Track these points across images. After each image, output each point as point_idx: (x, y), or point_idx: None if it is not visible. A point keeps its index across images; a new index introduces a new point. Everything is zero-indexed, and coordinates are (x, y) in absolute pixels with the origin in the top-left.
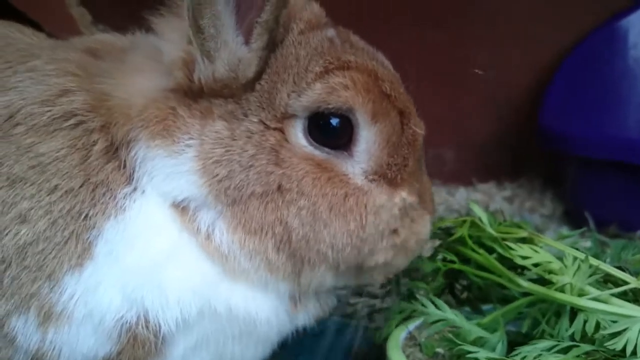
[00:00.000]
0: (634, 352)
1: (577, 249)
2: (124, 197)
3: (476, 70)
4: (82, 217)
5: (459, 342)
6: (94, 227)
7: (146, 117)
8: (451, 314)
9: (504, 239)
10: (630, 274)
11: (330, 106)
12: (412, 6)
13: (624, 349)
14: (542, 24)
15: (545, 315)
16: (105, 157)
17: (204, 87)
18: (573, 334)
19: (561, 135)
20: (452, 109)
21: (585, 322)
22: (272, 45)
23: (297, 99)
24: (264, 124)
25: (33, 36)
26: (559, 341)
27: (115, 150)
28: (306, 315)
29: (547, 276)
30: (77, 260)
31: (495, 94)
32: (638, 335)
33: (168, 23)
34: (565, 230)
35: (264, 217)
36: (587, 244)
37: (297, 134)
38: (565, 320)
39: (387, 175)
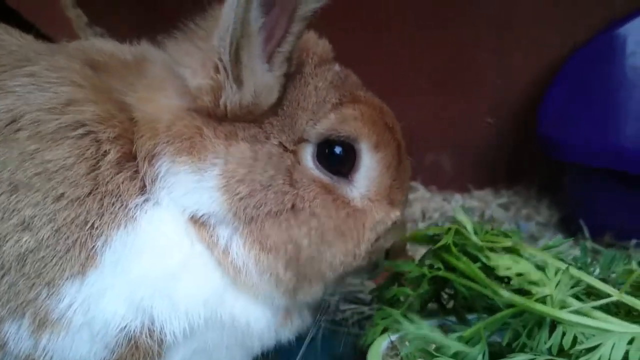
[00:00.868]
0: None
1: (562, 259)
2: (135, 207)
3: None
4: (88, 225)
5: (437, 355)
6: (100, 236)
7: (174, 133)
8: (427, 330)
9: (488, 248)
10: (614, 285)
11: (340, 134)
12: (411, 8)
13: None
14: (544, 28)
15: (526, 327)
16: (116, 167)
17: (228, 112)
18: (551, 347)
19: (558, 142)
20: (449, 114)
21: (563, 335)
22: (290, 74)
23: (313, 126)
24: (284, 146)
25: (21, 38)
26: (536, 355)
27: (129, 161)
28: (291, 330)
29: (527, 287)
30: (80, 269)
31: (493, 99)
32: (611, 351)
33: (182, 48)
34: (560, 238)
35: (279, 236)
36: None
37: (307, 158)
38: (544, 333)
39: (388, 195)
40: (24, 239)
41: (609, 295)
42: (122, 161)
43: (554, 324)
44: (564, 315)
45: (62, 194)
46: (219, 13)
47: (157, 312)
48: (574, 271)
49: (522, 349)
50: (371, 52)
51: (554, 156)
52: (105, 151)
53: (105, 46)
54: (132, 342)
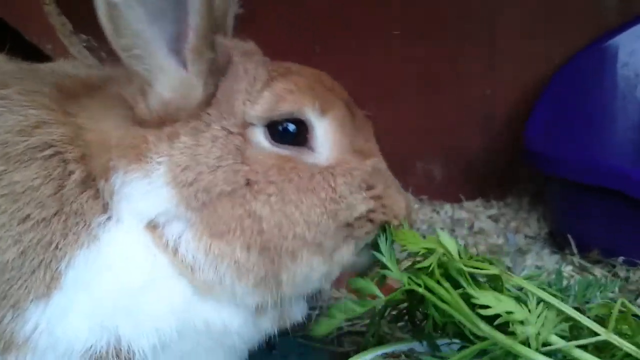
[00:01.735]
0: None
1: (544, 289)
2: (97, 226)
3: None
4: (53, 247)
5: None
6: (64, 257)
7: (123, 147)
8: None
9: (472, 275)
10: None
11: (280, 112)
12: (403, 20)
13: None
14: (533, 40)
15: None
16: (81, 187)
17: (162, 115)
18: None
19: (545, 156)
20: (441, 124)
21: None
22: (218, 69)
23: (251, 107)
24: (227, 129)
25: (8, 62)
26: None
27: (92, 180)
28: (269, 323)
29: (510, 328)
30: (44, 290)
31: (485, 110)
32: None
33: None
34: (546, 254)
35: (232, 214)
36: (568, 268)
37: (259, 139)
38: None
39: (350, 150)
40: None
41: (594, 333)
42: (86, 180)
43: None
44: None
45: (28, 215)
46: None
47: (123, 330)
48: (561, 306)
49: None
50: (360, 62)
51: (541, 170)
52: (70, 171)
53: (73, 70)
54: None
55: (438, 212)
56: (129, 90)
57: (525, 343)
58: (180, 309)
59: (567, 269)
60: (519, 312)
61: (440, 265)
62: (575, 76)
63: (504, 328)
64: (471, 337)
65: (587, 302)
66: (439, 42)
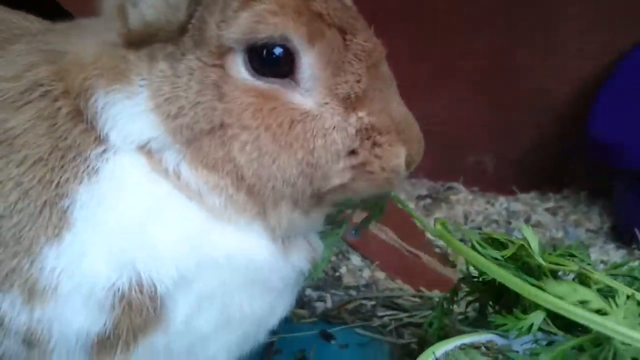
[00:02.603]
0: None
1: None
2: (95, 158)
3: None
4: (54, 185)
5: None
6: (66, 194)
7: (100, 65)
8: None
9: (552, 272)
10: None
11: (261, 36)
12: (454, 8)
13: None
14: (592, 28)
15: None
16: (72, 121)
17: (142, 34)
18: None
19: (610, 146)
20: (493, 115)
21: None
22: None
23: (227, 30)
24: (202, 61)
25: (36, 22)
26: None
27: (82, 112)
28: (300, 257)
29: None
30: (54, 231)
31: (540, 99)
32: None
33: None
34: (612, 249)
35: (215, 155)
36: (636, 263)
37: (239, 68)
38: None
39: (338, 96)
40: None
41: None
42: (77, 114)
43: None
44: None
45: (25, 156)
46: None
47: (140, 264)
48: None
49: None
50: (413, 50)
51: (606, 162)
52: (59, 107)
53: (86, 20)
54: (124, 302)
55: (493, 205)
56: (108, 12)
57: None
58: (195, 235)
59: (635, 265)
60: (596, 301)
61: (516, 258)
62: None
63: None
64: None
65: None
66: (492, 31)
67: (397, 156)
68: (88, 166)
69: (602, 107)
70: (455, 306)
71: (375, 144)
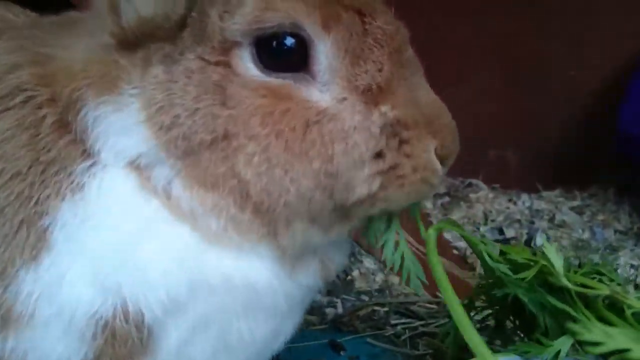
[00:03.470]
0: None
1: None
2: (82, 173)
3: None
4: (32, 202)
5: None
6: (47, 213)
7: (90, 73)
8: None
9: (580, 295)
10: None
11: (269, 25)
12: None
13: None
14: (625, 15)
15: None
16: (57, 132)
17: (137, 33)
18: None
19: None
20: (517, 107)
21: None
22: None
23: (230, 21)
24: (203, 59)
25: (21, 14)
26: None
27: (68, 122)
28: (308, 274)
29: None
30: (32, 253)
31: (568, 92)
32: None
33: None
34: None
35: (216, 170)
36: None
37: (246, 64)
38: None
39: (358, 88)
40: None
41: None
42: (63, 124)
43: None
44: None
45: (2, 170)
46: None
47: (126, 289)
48: None
49: None
50: (437, 40)
51: (636, 156)
52: (43, 115)
53: (72, 13)
54: (108, 330)
55: (515, 203)
56: (100, 8)
57: None
58: (187, 258)
59: None
60: (636, 348)
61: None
62: None
63: None
64: None
65: None
66: (520, 19)
67: (428, 151)
68: (72, 182)
69: (633, 98)
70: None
71: (402, 142)
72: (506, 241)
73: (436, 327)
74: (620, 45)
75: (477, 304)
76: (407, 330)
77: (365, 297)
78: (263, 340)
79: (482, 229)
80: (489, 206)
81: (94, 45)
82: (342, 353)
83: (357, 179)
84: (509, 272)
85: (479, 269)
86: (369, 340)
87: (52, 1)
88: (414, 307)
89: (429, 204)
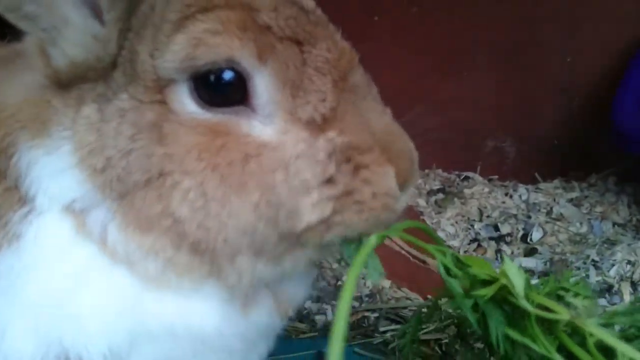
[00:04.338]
0: None
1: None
2: (18, 222)
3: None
4: None
5: None
6: None
7: (21, 116)
8: None
9: (539, 319)
10: None
11: (202, 62)
12: None
13: None
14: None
15: None
16: None
17: (69, 74)
18: None
19: (637, 135)
20: (514, 96)
21: None
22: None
23: (162, 59)
24: (136, 98)
25: None
26: None
27: (2, 169)
28: (261, 313)
29: None
30: None
31: (564, 80)
32: None
33: None
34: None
35: (150, 211)
36: None
37: (183, 101)
38: None
39: (301, 119)
40: None
41: None
42: None
43: None
44: None
45: None
46: None
47: (67, 340)
48: None
49: None
50: (422, 29)
51: (633, 150)
52: None
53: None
54: None
55: (511, 196)
56: (29, 51)
57: None
58: (126, 306)
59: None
60: None
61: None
62: None
63: None
64: None
65: None
66: (518, 6)
67: (386, 176)
68: (9, 232)
69: (630, 88)
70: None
71: (359, 167)
72: (501, 238)
73: (425, 333)
74: (619, 28)
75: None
76: (395, 338)
77: (355, 303)
78: None
79: (476, 225)
80: (484, 201)
81: (28, 84)
82: None
83: (304, 206)
84: (459, 290)
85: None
86: (356, 350)
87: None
88: (404, 312)
89: (422, 202)
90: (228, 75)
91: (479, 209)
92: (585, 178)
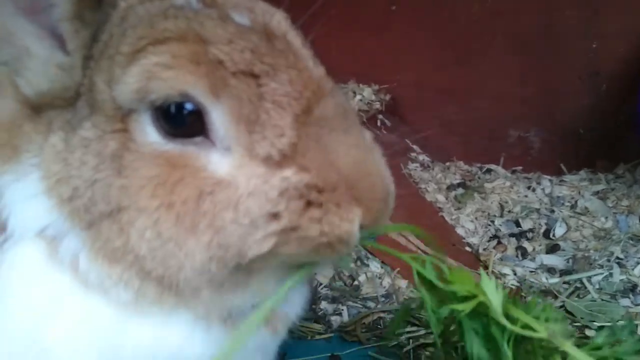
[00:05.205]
0: None
1: None
2: None
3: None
4: None
5: None
6: None
7: None
8: None
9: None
10: None
11: (155, 95)
12: None
13: None
14: None
15: None
16: None
17: (38, 102)
18: None
19: None
20: (539, 86)
21: None
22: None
23: (117, 90)
24: (99, 128)
25: None
26: None
27: None
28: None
29: None
30: None
31: (590, 66)
32: None
33: None
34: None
35: (115, 243)
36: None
37: (145, 130)
38: None
39: (258, 155)
40: None
41: None
42: None
43: None
44: None
45: None
46: None
47: None
48: None
49: None
50: (439, 20)
51: None
52: None
53: None
54: None
55: (534, 190)
56: (1, 77)
57: None
58: (102, 332)
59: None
60: None
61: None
62: None
63: None
64: None
65: None
66: None
67: (347, 219)
68: None
69: None
70: None
71: (310, 204)
72: (522, 234)
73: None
74: None
75: None
76: (410, 341)
77: (372, 304)
78: None
79: (497, 221)
80: (505, 196)
81: (1, 109)
82: None
83: (250, 241)
84: (429, 302)
85: (492, 267)
86: (370, 353)
87: None
88: (419, 315)
89: (441, 197)
90: (188, 106)
91: (499, 203)
92: (612, 168)
